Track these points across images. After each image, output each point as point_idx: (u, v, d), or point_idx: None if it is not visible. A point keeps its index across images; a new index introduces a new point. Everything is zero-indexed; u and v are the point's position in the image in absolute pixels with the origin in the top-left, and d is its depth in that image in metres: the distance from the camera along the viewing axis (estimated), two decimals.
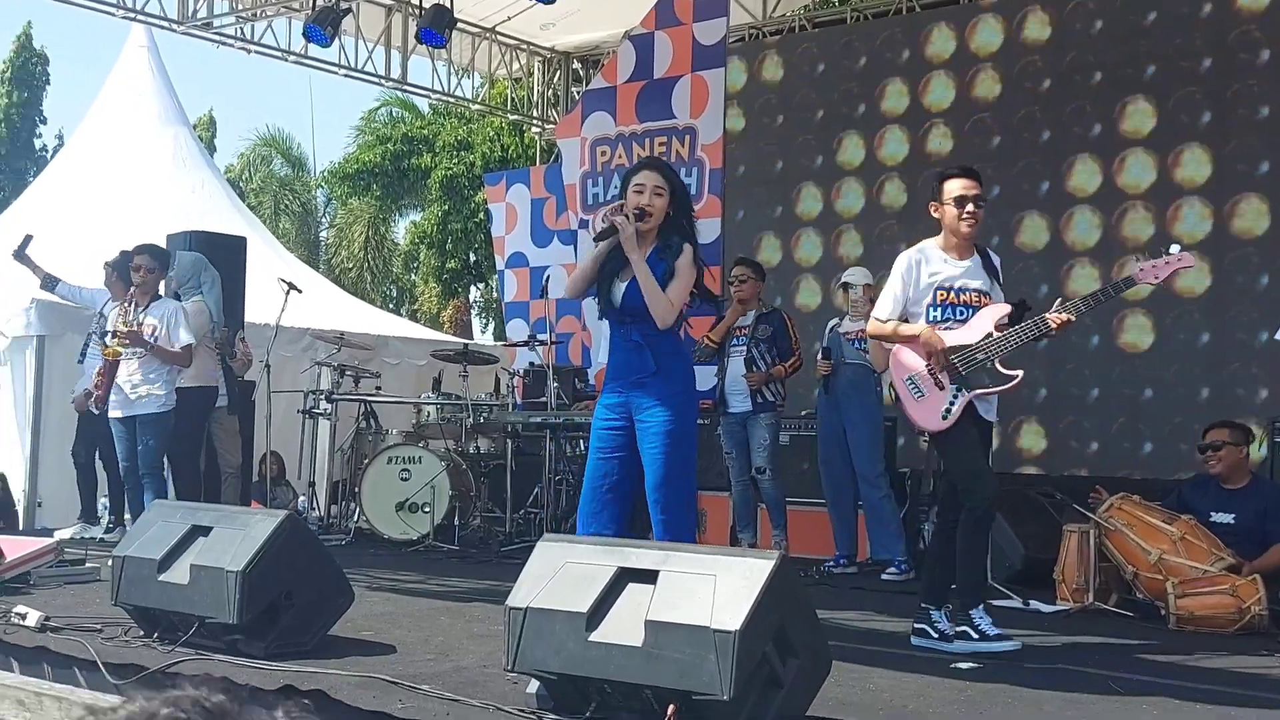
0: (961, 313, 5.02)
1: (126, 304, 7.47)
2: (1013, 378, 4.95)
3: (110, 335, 7.41)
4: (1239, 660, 4.94)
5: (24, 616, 4.74)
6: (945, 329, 5.00)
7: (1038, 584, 6.62)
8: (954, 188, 5.02)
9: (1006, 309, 5.05)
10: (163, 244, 9.35)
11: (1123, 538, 6.14)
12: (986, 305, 5.04)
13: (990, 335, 4.96)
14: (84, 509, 8.45)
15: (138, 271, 7.50)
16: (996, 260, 5.21)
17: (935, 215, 5.10)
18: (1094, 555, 6.27)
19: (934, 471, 8.14)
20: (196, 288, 8.31)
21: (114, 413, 7.43)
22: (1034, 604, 6.29)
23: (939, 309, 5.02)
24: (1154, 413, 8.97)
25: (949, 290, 5.01)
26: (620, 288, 4.53)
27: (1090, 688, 4.27)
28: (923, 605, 5.10)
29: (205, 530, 4.51)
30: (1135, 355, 9.08)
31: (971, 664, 4.63)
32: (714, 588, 3.39)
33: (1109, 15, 9.44)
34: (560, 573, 3.64)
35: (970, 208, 4.99)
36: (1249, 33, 8.88)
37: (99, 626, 4.72)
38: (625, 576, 3.56)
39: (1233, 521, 6.24)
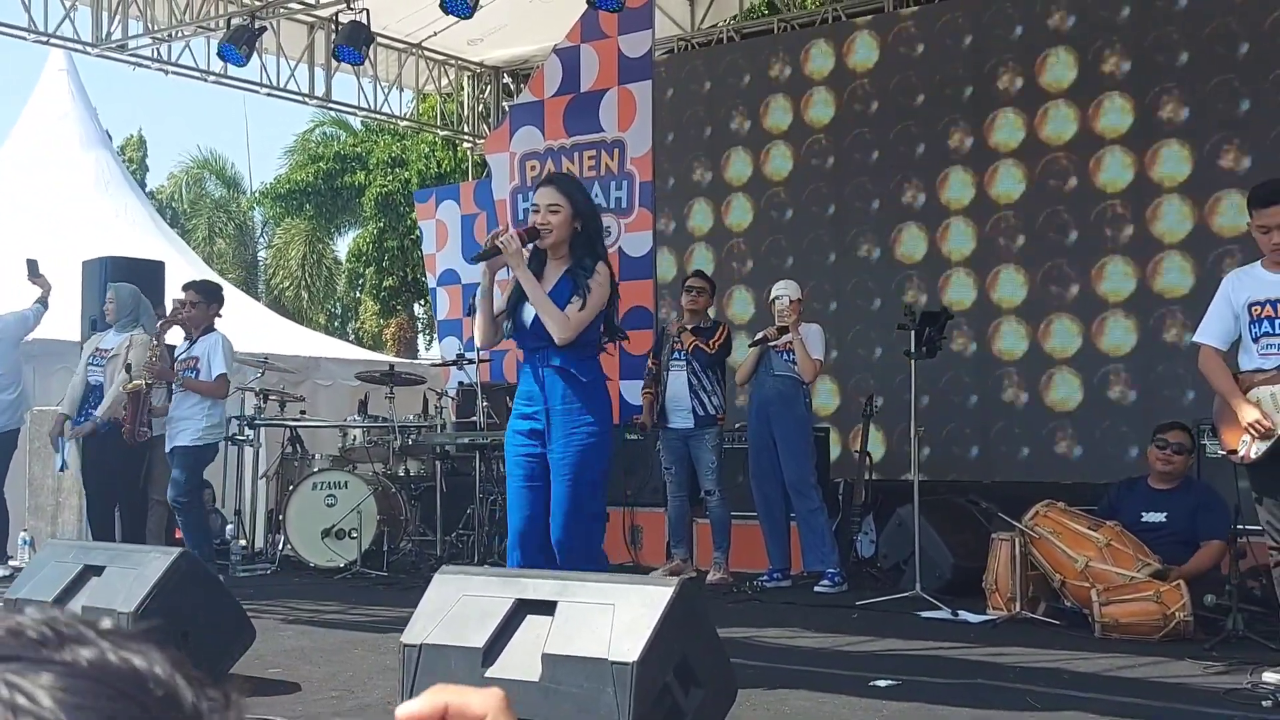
0: None
1: (159, 339, 7.48)
2: None
3: (129, 368, 7.40)
4: (1161, 669, 4.91)
5: None
6: None
7: (967, 593, 6.58)
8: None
9: None
10: (79, 270, 9.21)
11: (1049, 545, 6.11)
12: None
13: None
14: None
15: (184, 306, 7.51)
16: None
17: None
18: (1021, 564, 6.24)
19: (866, 481, 8.13)
20: (135, 321, 8.10)
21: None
22: (962, 614, 6.24)
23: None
24: (1083, 418, 8.98)
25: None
26: (530, 311, 4.38)
27: (1007, 703, 4.22)
28: None
29: (98, 570, 4.36)
30: (1063, 361, 9.09)
31: (890, 681, 4.56)
32: (612, 618, 3.30)
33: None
34: (456, 606, 3.54)
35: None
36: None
37: None
38: (523, 608, 3.46)
39: (1164, 520, 6.22)
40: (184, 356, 7.44)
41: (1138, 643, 5.46)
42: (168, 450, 7.39)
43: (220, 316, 7.78)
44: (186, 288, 7.65)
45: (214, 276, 13.90)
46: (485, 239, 4.43)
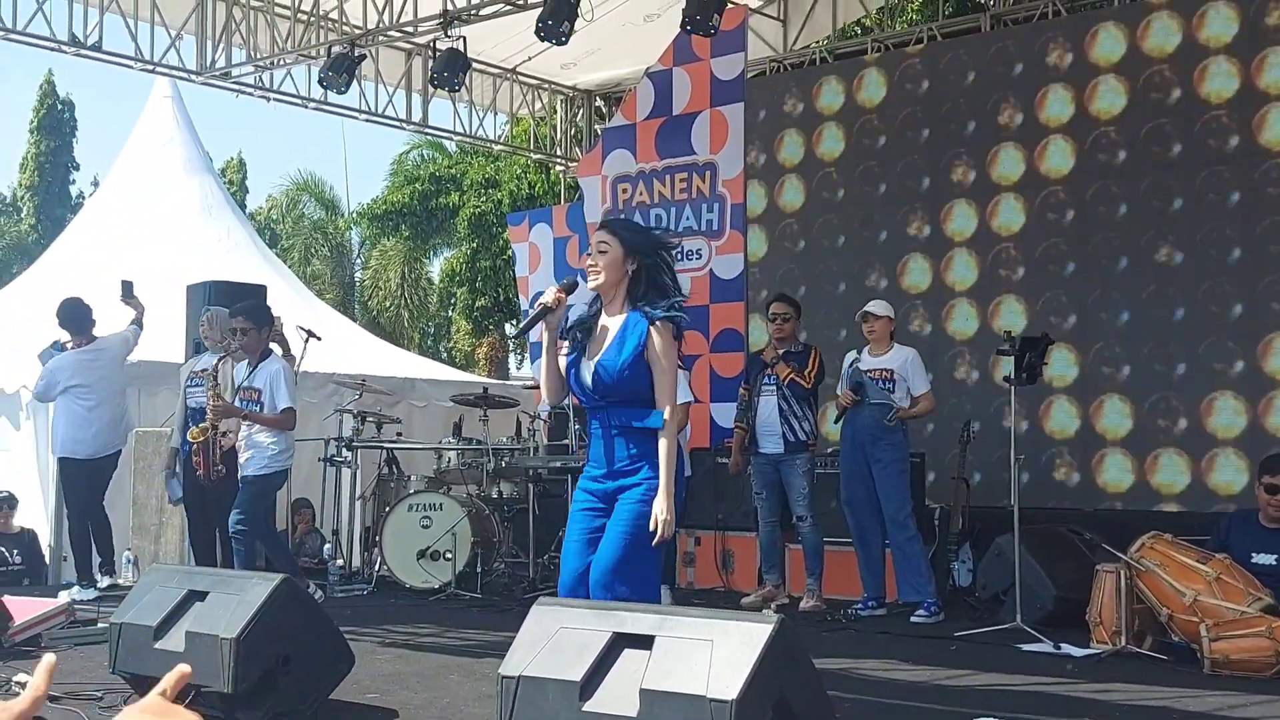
0: None
1: (215, 379, 7.23)
2: None
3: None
4: (1274, 708, 4.77)
5: (25, 685, 4.66)
6: None
7: (1069, 625, 6.42)
8: None
9: None
10: (183, 294, 9.40)
11: (1155, 579, 5.95)
12: None
13: None
14: (99, 565, 8.41)
15: (234, 334, 7.28)
16: None
17: None
18: (1127, 596, 6.08)
19: (963, 508, 7.98)
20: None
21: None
22: (1065, 647, 6.10)
23: None
24: (1191, 444, 8.74)
25: None
26: (589, 368, 4.10)
27: None
28: None
29: (201, 595, 4.43)
30: (1169, 385, 8.86)
31: (993, 718, 4.46)
32: (710, 654, 3.27)
33: None
34: (554, 639, 3.53)
35: None
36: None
37: (99, 694, 4.65)
38: (620, 642, 3.45)
39: (1274, 563, 6.03)
40: (244, 386, 7.24)
41: (1249, 680, 5.29)
42: (239, 477, 7.22)
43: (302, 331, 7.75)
44: (234, 314, 7.41)
45: (312, 299, 14.15)
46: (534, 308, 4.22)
